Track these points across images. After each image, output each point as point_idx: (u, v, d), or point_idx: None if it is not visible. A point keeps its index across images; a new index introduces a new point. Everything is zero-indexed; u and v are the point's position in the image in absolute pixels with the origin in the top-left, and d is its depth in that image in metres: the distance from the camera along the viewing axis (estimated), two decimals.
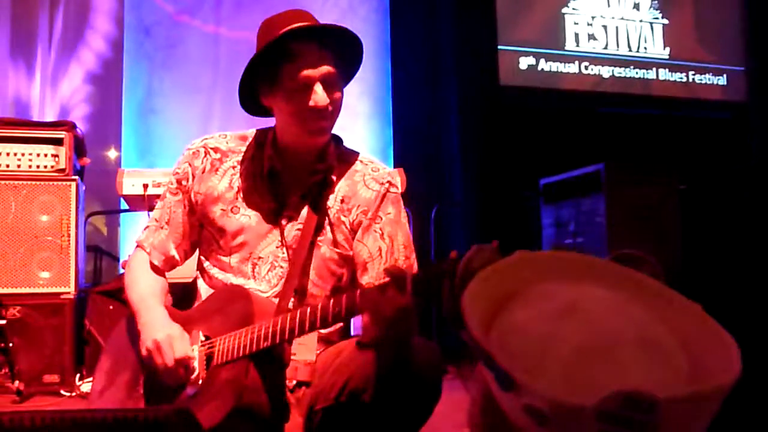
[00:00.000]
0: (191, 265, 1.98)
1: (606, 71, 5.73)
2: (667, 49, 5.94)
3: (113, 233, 4.97)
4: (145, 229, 1.96)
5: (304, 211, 1.81)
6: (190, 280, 1.98)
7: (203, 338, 1.70)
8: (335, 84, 1.74)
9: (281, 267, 1.80)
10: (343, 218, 1.83)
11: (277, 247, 1.80)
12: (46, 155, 3.29)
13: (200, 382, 1.65)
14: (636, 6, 5.89)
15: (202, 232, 1.90)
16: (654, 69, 5.89)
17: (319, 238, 1.80)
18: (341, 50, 1.76)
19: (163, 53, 4.83)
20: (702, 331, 0.92)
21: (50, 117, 4.65)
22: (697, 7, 6.08)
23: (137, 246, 1.95)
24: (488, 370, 0.86)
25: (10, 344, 3.05)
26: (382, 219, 1.84)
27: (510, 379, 0.82)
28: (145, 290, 1.84)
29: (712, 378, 0.84)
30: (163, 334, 1.66)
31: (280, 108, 1.78)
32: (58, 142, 3.32)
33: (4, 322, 3.05)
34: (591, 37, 5.73)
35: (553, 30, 5.61)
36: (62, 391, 3.08)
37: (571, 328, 0.85)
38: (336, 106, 1.77)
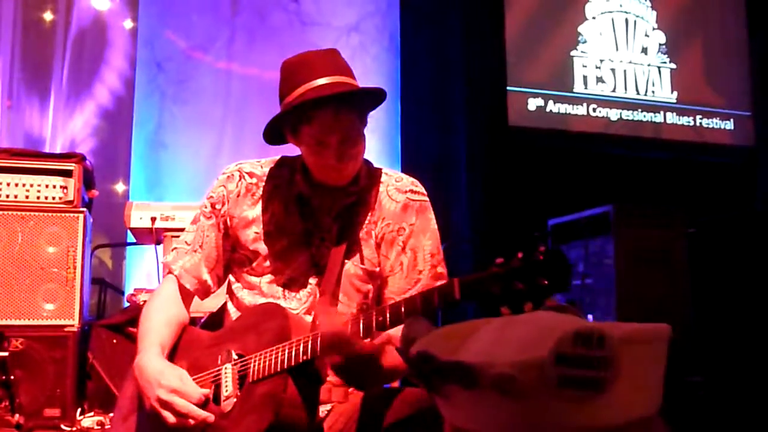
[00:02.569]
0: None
1: (614, 114, 5.76)
2: (675, 93, 5.97)
3: (118, 266, 4.97)
4: (172, 250, 1.94)
5: (335, 231, 1.81)
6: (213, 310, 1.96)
7: (236, 357, 1.66)
8: (354, 138, 1.74)
9: (310, 284, 1.79)
10: (370, 233, 1.82)
11: (307, 268, 1.80)
12: (54, 187, 3.29)
13: (234, 400, 1.61)
14: (644, 50, 5.94)
15: (233, 255, 1.89)
16: (662, 112, 5.91)
17: (347, 254, 1.80)
18: (362, 101, 1.76)
19: (175, 88, 4.87)
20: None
21: (60, 149, 4.68)
22: (704, 52, 6.12)
23: (166, 269, 1.91)
24: (450, 388, 0.90)
25: (12, 377, 3.01)
26: (405, 231, 1.83)
27: (471, 369, 0.87)
28: (153, 324, 1.80)
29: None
30: (165, 391, 1.60)
31: (303, 154, 1.81)
32: (67, 173, 3.31)
33: (6, 354, 3.02)
34: (599, 79, 5.76)
35: (562, 72, 5.65)
36: (63, 426, 3.03)
37: (515, 328, 0.92)
38: (355, 158, 1.77)
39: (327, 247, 1.80)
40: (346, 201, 1.82)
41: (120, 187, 4.96)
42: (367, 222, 1.83)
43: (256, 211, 1.86)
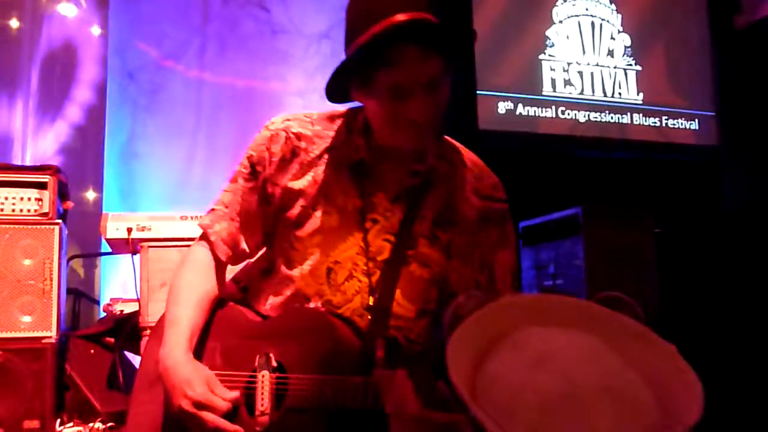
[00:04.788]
0: None
1: (582, 116, 5.84)
2: (641, 94, 6.07)
3: (90, 276, 4.94)
4: (210, 212, 1.70)
5: (396, 217, 1.56)
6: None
7: (275, 364, 1.48)
8: (441, 83, 1.49)
9: (359, 280, 1.55)
10: (437, 233, 1.58)
11: (357, 254, 1.56)
12: (29, 199, 3.28)
13: (268, 417, 1.44)
14: (610, 53, 6.03)
15: (276, 225, 1.65)
16: (628, 114, 6.01)
17: (409, 253, 1.55)
18: (447, 46, 1.50)
19: (147, 98, 4.87)
20: (672, 372, 0.96)
21: (31, 160, 4.65)
22: (668, 54, 6.24)
23: (202, 232, 1.68)
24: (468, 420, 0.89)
25: None
26: (481, 245, 1.61)
27: (483, 430, 0.84)
28: (182, 306, 1.58)
29: (677, 422, 0.87)
30: (189, 403, 1.43)
31: (372, 109, 1.53)
32: (41, 186, 3.31)
33: None
34: (567, 82, 5.85)
35: (531, 75, 5.73)
36: None
37: (542, 378, 0.87)
38: (441, 110, 1.51)
39: (383, 237, 1.56)
40: (410, 182, 1.57)
41: (90, 195, 4.92)
42: (435, 218, 1.58)
43: (303, 182, 1.59)
